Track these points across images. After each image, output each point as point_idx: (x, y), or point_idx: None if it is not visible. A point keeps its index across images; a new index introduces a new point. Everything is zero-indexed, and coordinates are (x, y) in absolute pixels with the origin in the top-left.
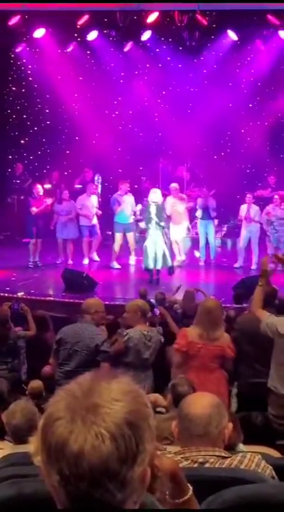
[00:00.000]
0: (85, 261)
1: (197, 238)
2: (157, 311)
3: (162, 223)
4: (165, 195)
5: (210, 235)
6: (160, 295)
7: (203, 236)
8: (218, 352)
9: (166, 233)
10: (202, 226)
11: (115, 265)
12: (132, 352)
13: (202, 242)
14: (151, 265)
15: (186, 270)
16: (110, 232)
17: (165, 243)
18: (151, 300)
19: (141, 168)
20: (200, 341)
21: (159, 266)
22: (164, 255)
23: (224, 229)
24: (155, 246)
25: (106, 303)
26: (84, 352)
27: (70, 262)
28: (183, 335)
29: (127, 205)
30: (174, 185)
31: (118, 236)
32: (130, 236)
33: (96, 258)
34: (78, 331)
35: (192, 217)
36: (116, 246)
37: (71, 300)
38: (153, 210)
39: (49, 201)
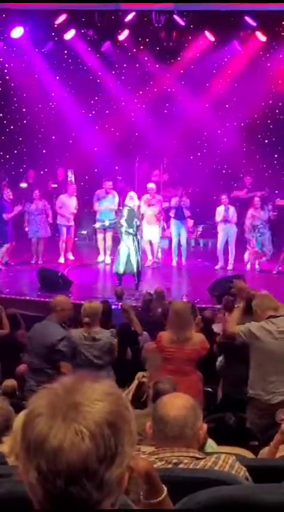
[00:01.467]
0: (61, 260)
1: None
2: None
3: (131, 230)
4: (139, 197)
5: (182, 235)
6: (120, 291)
7: (175, 236)
8: (191, 354)
9: (137, 238)
10: (175, 225)
11: (102, 258)
12: (76, 353)
13: (174, 242)
14: (121, 270)
15: (159, 271)
16: (85, 232)
17: (136, 249)
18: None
19: (116, 167)
20: (172, 344)
21: (130, 270)
22: (136, 261)
23: (200, 229)
24: (128, 251)
25: (82, 302)
26: (43, 350)
27: (40, 262)
28: (157, 338)
29: (110, 205)
30: (151, 185)
31: (100, 234)
32: (109, 236)
33: (71, 257)
34: (41, 330)
35: (168, 218)
36: (100, 244)
37: (47, 299)
38: (124, 214)
39: (18, 208)
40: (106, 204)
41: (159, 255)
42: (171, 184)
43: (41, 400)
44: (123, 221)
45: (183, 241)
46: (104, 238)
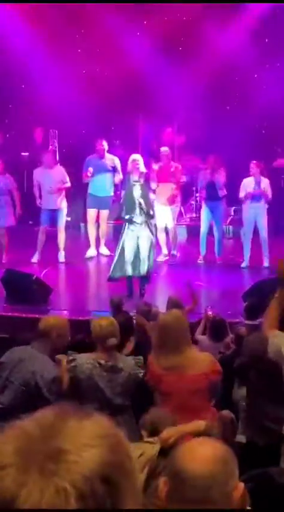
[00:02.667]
0: (35, 259)
1: (193, 226)
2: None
3: (151, 212)
4: (147, 166)
5: (217, 223)
6: (117, 300)
7: (206, 224)
8: (198, 382)
9: (150, 226)
10: (205, 210)
11: (93, 252)
12: (86, 388)
13: (203, 231)
14: (129, 272)
15: (176, 269)
16: (68, 219)
17: (150, 243)
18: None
19: (112, 128)
20: (168, 372)
21: (143, 271)
22: (148, 260)
23: (232, 213)
24: (136, 245)
25: (70, 318)
26: (21, 387)
27: (4, 261)
28: (147, 366)
29: (104, 173)
30: (165, 149)
31: (91, 213)
32: (104, 215)
33: (61, 258)
34: (23, 358)
35: (186, 197)
36: (90, 227)
37: (15, 314)
38: (136, 192)
39: None
40: (101, 173)
41: (175, 248)
42: (190, 150)
43: (6, 446)
44: (137, 199)
45: (217, 231)
46: (96, 222)
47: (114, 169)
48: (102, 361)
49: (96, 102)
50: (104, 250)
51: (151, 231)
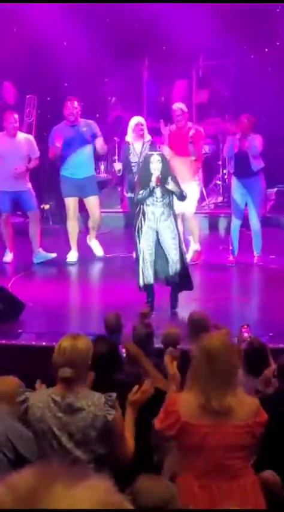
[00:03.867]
0: (7, 258)
1: (217, 215)
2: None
3: (182, 192)
4: (153, 131)
5: (252, 210)
6: (113, 319)
7: (239, 210)
8: (239, 437)
9: (171, 212)
10: (238, 192)
11: (74, 256)
12: (39, 435)
13: (235, 220)
14: (150, 278)
15: (199, 272)
16: (47, 206)
17: (174, 235)
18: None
19: (106, 79)
20: (203, 419)
21: (171, 273)
22: (177, 258)
23: (273, 196)
24: (156, 241)
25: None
26: None
27: None
28: (168, 409)
29: (81, 145)
30: (179, 106)
31: (70, 204)
32: (93, 204)
33: (38, 259)
34: None
35: (209, 175)
36: (69, 224)
37: None
38: (155, 166)
39: None
40: (75, 146)
41: (197, 242)
42: (214, 111)
43: None
44: (153, 179)
45: (254, 221)
46: (76, 216)
47: (93, 138)
48: (58, 398)
49: (85, 44)
50: (96, 246)
51: (175, 219)
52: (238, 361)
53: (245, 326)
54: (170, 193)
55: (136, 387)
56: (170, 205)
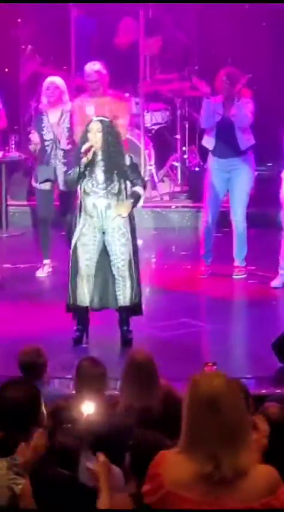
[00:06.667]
0: None
1: (180, 209)
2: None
3: (137, 177)
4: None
5: (237, 201)
6: (27, 357)
7: (214, 204)
8: None
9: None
10: (216, 176)
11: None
12: None
13: (209, 218)
14: (85, 300)
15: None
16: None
17: (125, 241)
18: None
19: (18, 19)
20: (198, 491)
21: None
22: (128, 274)
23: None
24: (100, 248)
25: None
26: None
27: None
28: (150, 471)
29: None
30: (94, 67)
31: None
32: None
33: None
34: None
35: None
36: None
37: None
38: (94, 136)
39: None
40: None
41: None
42: (176, 61)
43: None
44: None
45: (238, 218)
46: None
47: None
48: None
49: None
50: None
51: (131, 218)
52: (246, 407)
53: (210, 364)
54: (121, 178)
55: None
56: (121, 196)
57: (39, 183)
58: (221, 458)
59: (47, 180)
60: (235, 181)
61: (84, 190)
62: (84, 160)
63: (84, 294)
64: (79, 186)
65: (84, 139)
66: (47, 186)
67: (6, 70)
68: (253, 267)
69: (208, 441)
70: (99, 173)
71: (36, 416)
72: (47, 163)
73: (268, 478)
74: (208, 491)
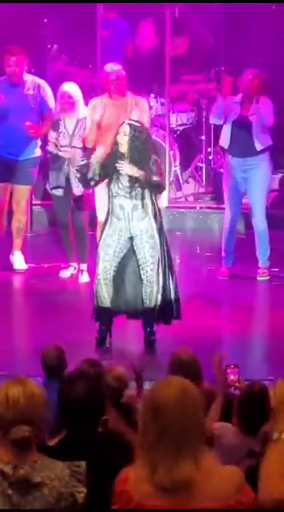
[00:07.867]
0: None
1: (202, 211)
2: None
3: (157, 180)
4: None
5: (256, 202)
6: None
7: (234, 205)
8: None
9: (154, 212)
10: (235, 175)
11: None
12: None
13: (229, 220)
14: (106, 302)
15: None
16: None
17: (154, 244)
18: None
19: (45, 20)
20: (157, 498)
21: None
22: (155, 277)
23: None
24: (125, 250)
25: None
26: None
27: None
28: (117, 489)
29: (22, 112)
30: (114, 68)
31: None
32: (22, 195)
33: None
34: None
35: (187, 155)
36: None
37: None
38: (123, 144)
39: None
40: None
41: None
42: (197, 64)
43: None
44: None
45: (258, 218)
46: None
47: (41, 106)
48: (7, 468)
49: None
50: (18, 261)
51: (157, 220)
52: (202, 417)
53: (232, 366)
54: (145, 184)
55: None
56: (145, 200)
57: (51, 189)
58: (157, 465)
59: (57, 187)
60: (252, 181)
61: (112, 193)
62: (98, 159)
63: (104, 296)
64: (107, 189)
65: (114, 140)
66: (58, 192)
67: (33, 70)
68: (276, 269)
69: (149, 449)
70: (125, 176)
71: (101, 410)
72: (59, 168)
73: (232, 481)
74: (171, 497)
